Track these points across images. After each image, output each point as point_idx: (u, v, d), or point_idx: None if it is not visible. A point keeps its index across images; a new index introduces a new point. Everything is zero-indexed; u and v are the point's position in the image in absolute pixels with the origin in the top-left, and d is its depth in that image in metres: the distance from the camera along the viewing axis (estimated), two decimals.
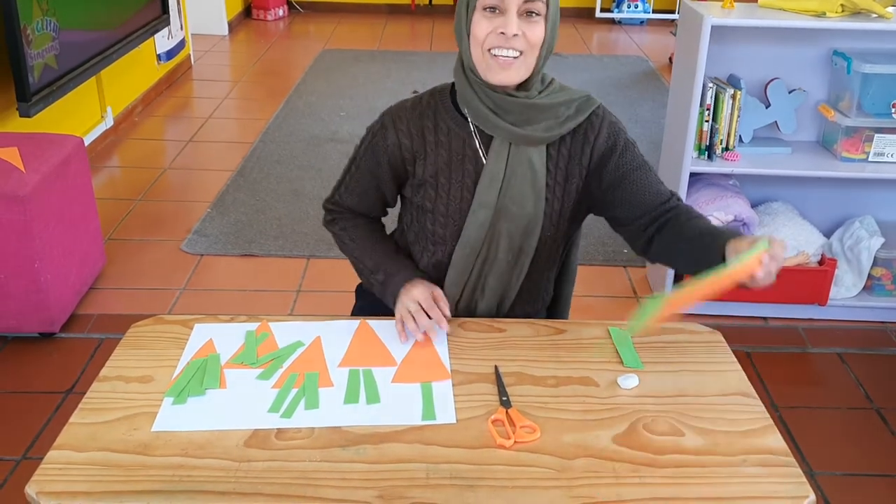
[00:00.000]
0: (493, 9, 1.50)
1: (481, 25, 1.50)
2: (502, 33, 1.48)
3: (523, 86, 1.57)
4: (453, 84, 1.65)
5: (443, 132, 1.62)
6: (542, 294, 1.82)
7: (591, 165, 1.63)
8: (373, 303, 1.79)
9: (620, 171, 1.62)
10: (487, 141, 1.61)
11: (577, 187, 1.65)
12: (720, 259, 1.45)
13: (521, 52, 1.51)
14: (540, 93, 1.59)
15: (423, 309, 1.59)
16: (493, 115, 1.57)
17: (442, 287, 1.69)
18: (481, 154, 1.61)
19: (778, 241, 1.40)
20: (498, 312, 1.75)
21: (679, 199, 1.66)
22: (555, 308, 1.90)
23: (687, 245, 1.57)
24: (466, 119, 1.62)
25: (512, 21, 1.48)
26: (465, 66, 1.58)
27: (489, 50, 1.51)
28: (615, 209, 1.66)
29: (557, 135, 1.60)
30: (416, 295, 1.61)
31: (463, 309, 1.74)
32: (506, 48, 1.50)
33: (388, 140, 1.64)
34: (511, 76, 1.53)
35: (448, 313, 1.61)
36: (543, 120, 1.58)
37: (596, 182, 1.65)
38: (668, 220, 1.63)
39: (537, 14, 1.50)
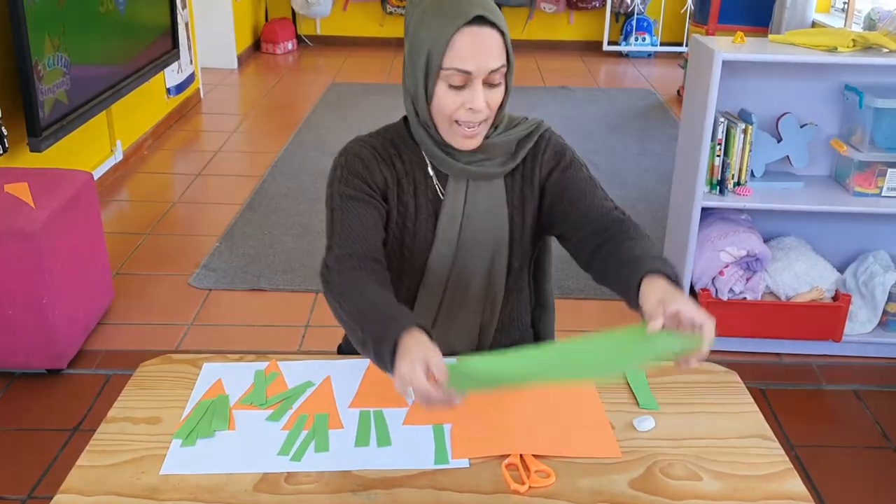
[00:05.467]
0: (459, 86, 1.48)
1: (447, 100, 1.48)
2: (470, 109, 1.47)
3: None
4: (404, 118, 1.63)
5: (407, 162, 1.61)
6: (518, 327, 1.79)
7: (540, 183, 1.64)
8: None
9: (562, 185, 1.62)
10: (442, 176, 1.61)
11: (534, 208, 1.65)
12: (636, 296, 1.36)
13: (485, 119, 1.51)
14: (495, 129, 1.59)
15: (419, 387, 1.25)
16: (448, 157, 1.57)
17: None
18: (439, 190, 1.61)
19: (708, 339, 1.25)
20: (479, 349, 1.72)
21: (624, 215, 1.59)
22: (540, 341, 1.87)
23: (614, 273, 1.48)
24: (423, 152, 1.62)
25: (478, 96, 1.47)
26: (419, 116, 1.55)
27: (456, 121, 1.50)
28: (559, 225, 1.63)
29: (511, 167, 1.61)
30: (403, 372, 1.25)
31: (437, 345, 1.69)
32: (472, 121, 1.49)
33: (366, 161, 1.57)
34: (475, 143, 1.53)
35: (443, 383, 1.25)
36: (498, 156, 1.59)
37: (544, 198, 1.65)
38: (609, 237, 1.54)
39: (500, 78, 1.50)
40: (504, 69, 1.49)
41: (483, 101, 1.47)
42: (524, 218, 1.65)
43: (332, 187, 1.57)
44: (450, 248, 1.61)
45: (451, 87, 1.47)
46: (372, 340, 1.32)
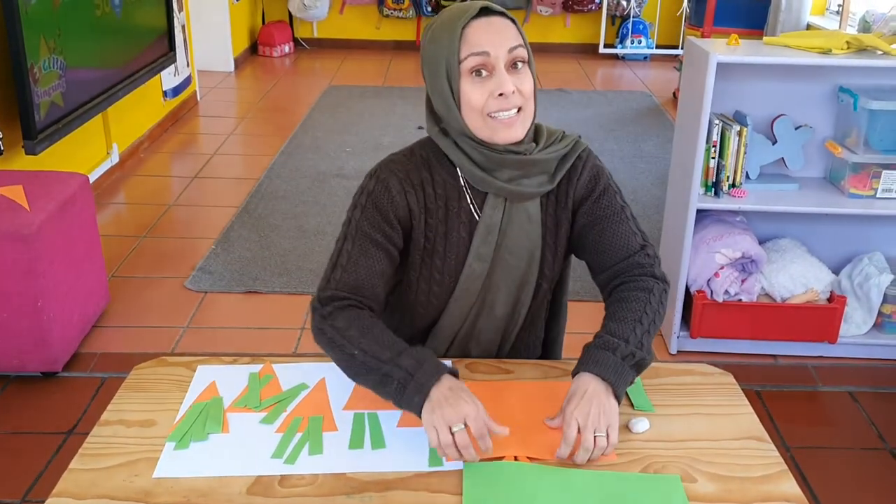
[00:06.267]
0: (479, 71, 1.45)
1: (475, 92, 1.45)
2: (501, 94, 1.44)
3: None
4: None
5: (439, 185, 1.57)
6: (534, 340, 1.79)
7: (573, 207, 1.62)
8: None
9: (594, 216, 1.60)
10: (478, 194, 1.58)
11: (567, 230, 1.63)
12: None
13: (520, 108, 1.47)
14: (536, 144, 1.55)
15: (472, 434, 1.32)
16: (486, 174, 1.53)
17: (428, 335, 1.66)
18: (473, 210, 1.58)
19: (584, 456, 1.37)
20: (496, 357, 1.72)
21: (648, 257, 1.60)
22: (548, 350, 1.87)
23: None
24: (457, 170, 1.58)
25: (505, 79, 1.44)
26: (450, 133, 1.53)
27: (489, 114, 1.46)
28: (586, 254, 1.64)
29: (547, 189, 1.58)
30: (468, 411, 1.33)
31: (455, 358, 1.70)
32: (506, 109, 1.46)
33: (393, 192, 1.53)
34: (517, 132, 1.48)
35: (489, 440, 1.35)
36: (536, 175, 1.55)
37: (576, 222, 1.63)
38: (622, 282, 1.59)
39: (522, 62, 1.47)
40: (523, 51, 1.46)
41: (511, 85, 1.44)
42: (557, 240, 1.63)
43: (354, 212, 1.55)
44: (483, 265, 1.59)
45: (475, 78, 1.45)
46: (402, 371, 1.37)
